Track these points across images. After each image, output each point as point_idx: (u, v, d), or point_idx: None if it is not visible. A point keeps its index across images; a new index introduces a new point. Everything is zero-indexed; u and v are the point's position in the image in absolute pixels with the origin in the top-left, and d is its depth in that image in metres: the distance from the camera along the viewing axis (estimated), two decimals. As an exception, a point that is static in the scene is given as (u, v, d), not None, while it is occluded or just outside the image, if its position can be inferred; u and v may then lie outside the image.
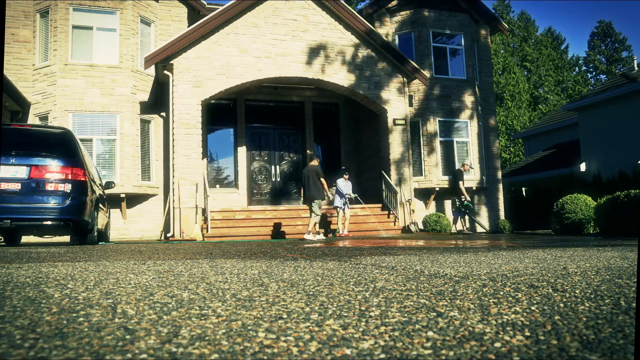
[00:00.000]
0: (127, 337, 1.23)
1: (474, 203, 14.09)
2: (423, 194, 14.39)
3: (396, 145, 13.30)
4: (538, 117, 35.73)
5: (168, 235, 11.66)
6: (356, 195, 11.95)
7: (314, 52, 12.78)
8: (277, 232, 11.71)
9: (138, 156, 12.31)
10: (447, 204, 14.58)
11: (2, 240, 8.55)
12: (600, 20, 48.62)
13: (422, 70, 13.66)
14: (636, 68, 20.13)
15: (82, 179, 6.71)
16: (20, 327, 1.33)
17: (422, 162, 14.22)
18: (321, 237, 10.63)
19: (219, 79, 11.95)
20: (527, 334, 1.25)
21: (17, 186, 6.38)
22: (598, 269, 2.66)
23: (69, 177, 6.57)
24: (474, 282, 2.20)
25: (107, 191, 9.49)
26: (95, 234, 7.58)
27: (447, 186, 14.11)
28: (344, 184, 11.50)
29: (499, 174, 15.98)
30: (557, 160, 20.32)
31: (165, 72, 11.78)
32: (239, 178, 14.12)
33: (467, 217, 12.86)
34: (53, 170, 6.52)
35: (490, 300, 1.72)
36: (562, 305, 1.62)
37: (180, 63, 11.72)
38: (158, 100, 12.94)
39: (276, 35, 12.52)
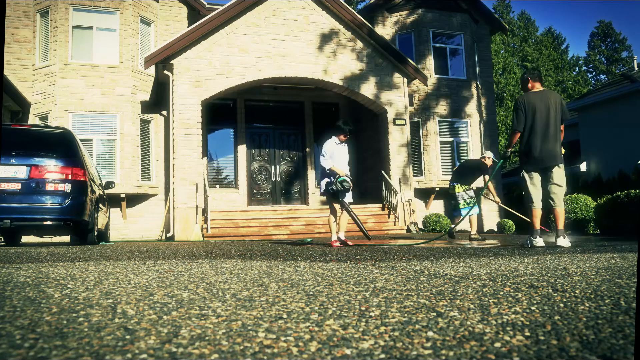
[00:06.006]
0: (127, 337, 1.23)
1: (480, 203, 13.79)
2: (423, 194, 14.40)
3: (396, 145, 13.30)
4: (538, 117, 35.63)
5: (168, 235, 11.66)
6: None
7: (314, 52, 12.78)
8: (277, 232, 11.70)
9: (138, 156, 12.30)
10: (447, 204, 14.57)
11: (2, 240, 8.54)
12: (600, 20, 48.58)
13: (422, 70, 13.66)
14: (636, 68, 20.13)
15: (82, 179, 6.71)
16: (20, 327, 1.33)
17: (422, 162, 14.22)
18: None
19: (219, 78, 11.95)
20: (527, 334, 1.25)
21: (17, 186, 6.38)
22: (598, 269, 2.66)
23: (69, 177, 6.57)
24: (474, 282, 2.20)
25: (107, 191, 9.49)
26: (95, 234, 7.57)
27: (447, 186, 14.09)
28: None
29: (499, 174, 16.00)
30: (557, 160, 20.31)
31: (165, 72, 11.78)
32: (239, 178, 14.12)
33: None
34: (53, 170, 6.52)
35: (490, 300, 1.72)
36: (562, 305, 1.62)
37: (180, 63, 11.72)
38: (158, 100, 12.94)
39: (276, 35, 12.52)
